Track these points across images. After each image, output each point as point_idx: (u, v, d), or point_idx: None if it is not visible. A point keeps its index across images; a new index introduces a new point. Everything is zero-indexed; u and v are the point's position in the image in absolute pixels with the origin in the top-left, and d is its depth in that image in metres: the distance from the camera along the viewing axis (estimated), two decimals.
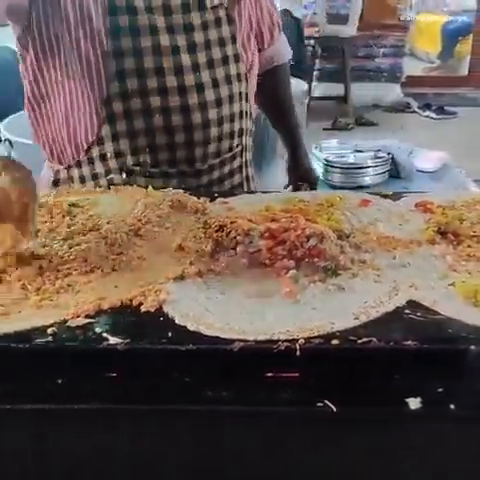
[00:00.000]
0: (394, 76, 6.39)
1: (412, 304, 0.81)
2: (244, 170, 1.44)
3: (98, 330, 0.77)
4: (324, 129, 5.38)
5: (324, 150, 2.84)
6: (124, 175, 1.27)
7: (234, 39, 1.31)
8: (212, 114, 1.28)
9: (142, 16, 1.20)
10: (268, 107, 1.67)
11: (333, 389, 0.72)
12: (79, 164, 1.31)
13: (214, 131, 1.29)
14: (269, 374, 0.73)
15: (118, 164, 1.27)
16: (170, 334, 0.76)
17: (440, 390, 0.71)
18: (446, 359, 0.74)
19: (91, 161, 1.29)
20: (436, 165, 2.89)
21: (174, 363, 0.74)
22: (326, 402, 0.70)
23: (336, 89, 6.08)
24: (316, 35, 5.92)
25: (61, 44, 1.22)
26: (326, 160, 2.76)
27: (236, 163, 1.39)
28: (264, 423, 0.72)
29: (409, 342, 0.73)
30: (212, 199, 1.13)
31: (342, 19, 5.92)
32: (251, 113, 1.42)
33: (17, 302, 0.82)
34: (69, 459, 0.74)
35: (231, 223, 0.96)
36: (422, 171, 2.85)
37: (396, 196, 1.17)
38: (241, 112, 1.35)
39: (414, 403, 0.70)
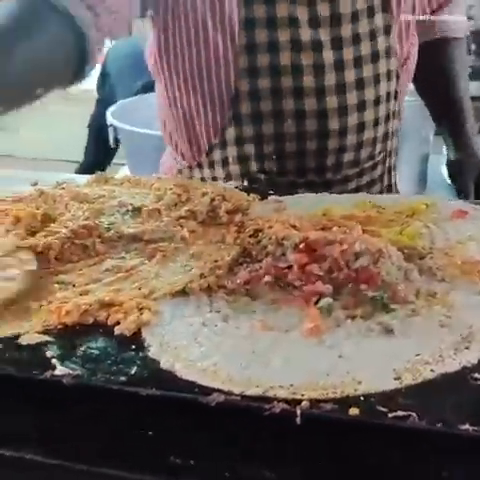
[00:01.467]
0: None
1: None
2: (386, 178, 1.23)
3: (49, 354, 0.59)
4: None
5: None
6: (246, 182, 1.11)
7: (388, 30, 1.09)
8: (352, 119, 1.09)
9: (281, 6, 1.03)
10: (424, 90, 1.39)
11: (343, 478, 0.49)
12: (200, 165, 1.19)
13: (352, 139, 1.10)
14: (254, 445, 0.52)
15: (241, 170, 1.13)
16: (134, 371, 0.56)
17: None
18: None
19: (212, 165, 1.17)
20: None
21: (133, 411, 0.55)
22: None
23: None
24: (471, 29, 5.45)
25: (187, 36, 1.09)
26: None
27: (377, 172, 1.19)
28: None
29: (467, 426, 0.49)
30: (264, 197, 0.92)
31: None
32: (400, 112, 1.19)
33: None
34: None
35: (268, 228, 0.75)
36: None
37: None
38: (388, 115, 1.14)
39: None
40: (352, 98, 1.08)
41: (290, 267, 0.68)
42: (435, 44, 1.30)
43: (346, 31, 1.06)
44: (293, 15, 1.04)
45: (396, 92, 1.15)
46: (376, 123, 1.13)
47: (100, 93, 3.19)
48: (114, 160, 2.59)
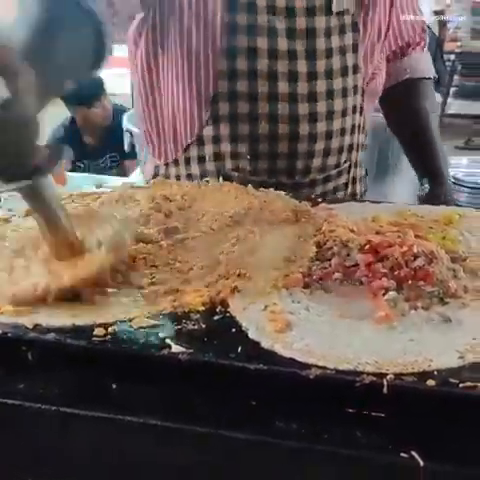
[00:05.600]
0: None
1: None
2: (350, 186, 1.33)
3: (162, 335, 0.69)
4: (456, 147, 5.12)
5: (452, 167, 2.63)
6: (221, 180, 1.19)
7: (355, 48, 1.21)
8: (321, 127, 1.19)
9: (262, 16, 1.13)
10: (397, 125, 1.51)
11: (423, 439, 0.60)
12: (177, 163, 1.27)
13: (321, 145, 1.20)
14: (348, 410, 0.63)
15: (216, 167, 1.22)
16: (240, 349, 0.66)
17: None
18: None
19: (188, 161, 1.25)
20: None
21: (241, 383, 0.65)
22: (413, 453, 0.58)
23: (473, 107, 5.78)
24: (457, 50, 5.67)
25: (172, 37, 1.17)
26: (454, 178, 2.56)
27: (342, 180, 1.29)
28: (335, 466, 0.61)
29: None
30: (315, 204, 1.02)
31: None
32: (364, 127, 1.30)
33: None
34: None
35: (330, 232, 0.86)
36: None
37: None
38: (353, 126, 1.25)
39: None
40: (322, 107, 1.18)
41: (355, 265, 0.79)
42: (404, 83, 1.42)
43: (320, 44, 1.16)
44: (272, 25, 1.13)
45: (361, 108, 1.26)
46: (343, 133, 1.22)
47: None
48: None
